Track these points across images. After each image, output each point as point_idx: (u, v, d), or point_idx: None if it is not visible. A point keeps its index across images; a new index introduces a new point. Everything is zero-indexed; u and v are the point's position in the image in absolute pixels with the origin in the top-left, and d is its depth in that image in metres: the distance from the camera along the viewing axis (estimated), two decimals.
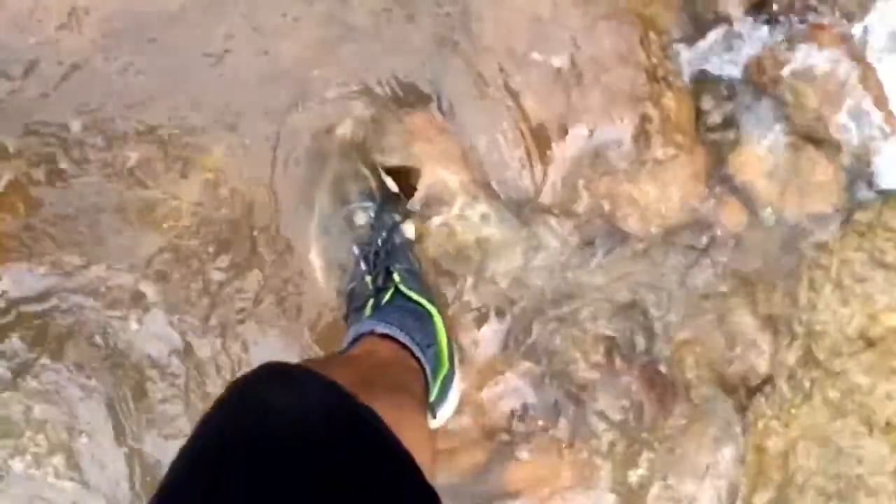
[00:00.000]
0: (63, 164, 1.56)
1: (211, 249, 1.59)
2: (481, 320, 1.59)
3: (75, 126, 1.55)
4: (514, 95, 1.58)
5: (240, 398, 0.78)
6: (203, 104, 1.56)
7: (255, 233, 1.58)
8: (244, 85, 1.55)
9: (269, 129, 1.56)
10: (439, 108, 1.57)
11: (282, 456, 0.68)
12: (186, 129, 1.56)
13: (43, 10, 1.53)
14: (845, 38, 1.68)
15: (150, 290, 1.59)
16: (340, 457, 0.72)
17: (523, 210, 1.58)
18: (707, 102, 1.64)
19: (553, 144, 1.58)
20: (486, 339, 1.59)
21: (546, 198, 1.59)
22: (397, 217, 1.54)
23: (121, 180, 1.56)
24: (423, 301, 1.42)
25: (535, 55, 1.57)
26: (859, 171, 1.67)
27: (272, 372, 0.82)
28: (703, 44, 1.63)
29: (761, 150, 1.65)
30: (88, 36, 1.53)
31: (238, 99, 1.55)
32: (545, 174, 1.59)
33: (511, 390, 1.63)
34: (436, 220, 1.58)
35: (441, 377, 1.38)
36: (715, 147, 1.65)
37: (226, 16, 1.53)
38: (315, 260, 1.60)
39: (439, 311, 1.44)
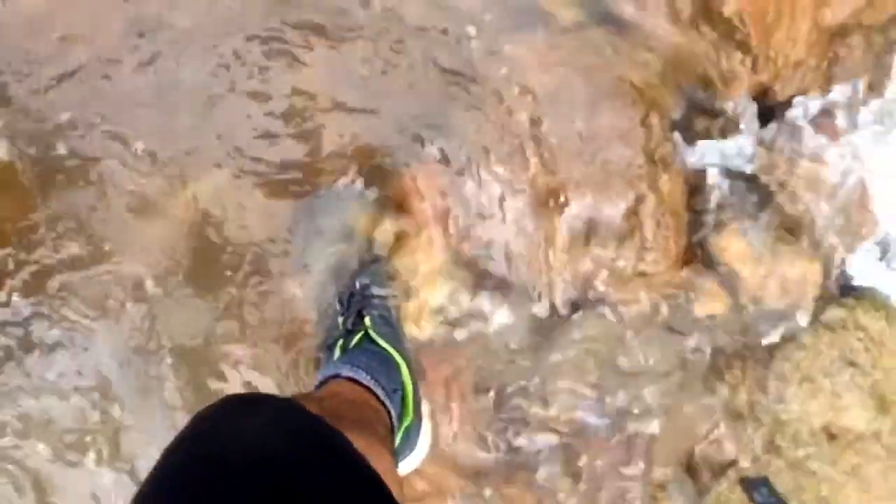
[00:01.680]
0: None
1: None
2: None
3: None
4: (511, 162, 1.57)
5: (201, 428, 0.77)
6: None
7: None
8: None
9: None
10: (440, 164, 1.56)
11: (244, 479, 0.67)
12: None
13: None
14: (837, 138, 1.72)
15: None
16: (308, 476, 0.71)
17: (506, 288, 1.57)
18: (700, 187, 1.66)
19: (546, 215, 1.58)
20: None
21: (527, 266, 1.59)
22: (383, 268, 1.55)
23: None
24: (391, 349, 1.42)
25: (536, 126, 1.56)
26: (836, 269, 1.71)
27: (233, 401, 0.82)
28: (702, 129, 1.65)
29: (746, 238, 1.67)
30: None
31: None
32: (533, 245, 1.59)
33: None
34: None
35: (405, 425, 1.37)
36: (703, 231, 1.67)
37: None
38: (300, 291, 1.59)
39: (408, 363, 1.44)
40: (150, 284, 1.56)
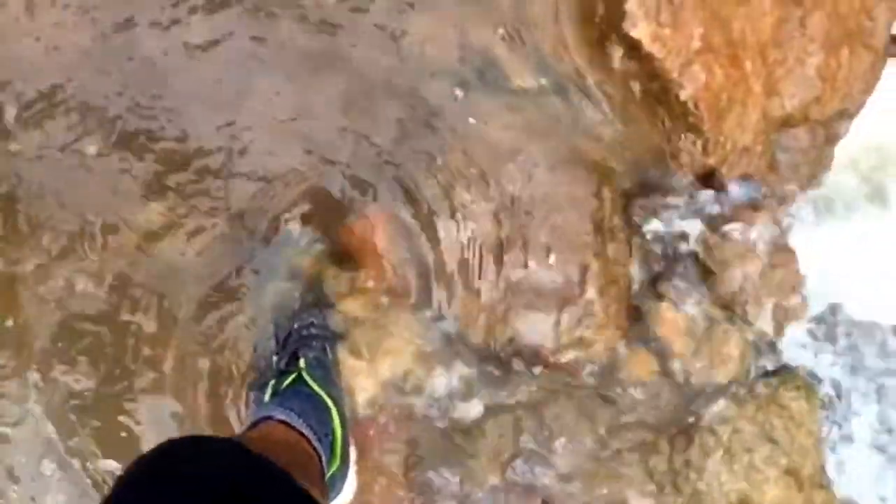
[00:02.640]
0: None
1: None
2: None
3: None
4: (464, 216, 1.60)
5: (139, 473, 0.78)
6: None
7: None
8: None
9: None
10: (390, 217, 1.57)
11: None
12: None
13: None
14: (776, 221, 1.80)
15: None
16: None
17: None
18: (643, 258, 1.71)
19: (488, 271, 1.61)
20: None
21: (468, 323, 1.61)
22: (325, 311, 1.55)
23: None
24: (323, 393, 1.42)
25: (493, 184, 1.59)
26: (765, 348, 1.77)
27: (171, 445, 0.83)
28: (650, 203, 1.70)
29: (682, 311, 1.73)
30: None
31: None
32: (476, 297, 1.61)
33: None
34: None
35: (332, 471, 1.38)
36: (642, 301, 1.72)
37: None
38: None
39: (339, 408, 1.44)
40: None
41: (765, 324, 1.75)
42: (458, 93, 1.56)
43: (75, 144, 1.53)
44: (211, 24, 1.54)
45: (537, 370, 1.62)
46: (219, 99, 1.54)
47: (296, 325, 1.50)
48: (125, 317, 1.53)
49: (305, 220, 1.57)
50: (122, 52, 1.53)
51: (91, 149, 1.53)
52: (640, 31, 1.52)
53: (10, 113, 1.52)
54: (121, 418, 1.53)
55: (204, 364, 1.55)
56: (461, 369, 1.54)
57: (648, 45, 1.53)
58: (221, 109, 1.53)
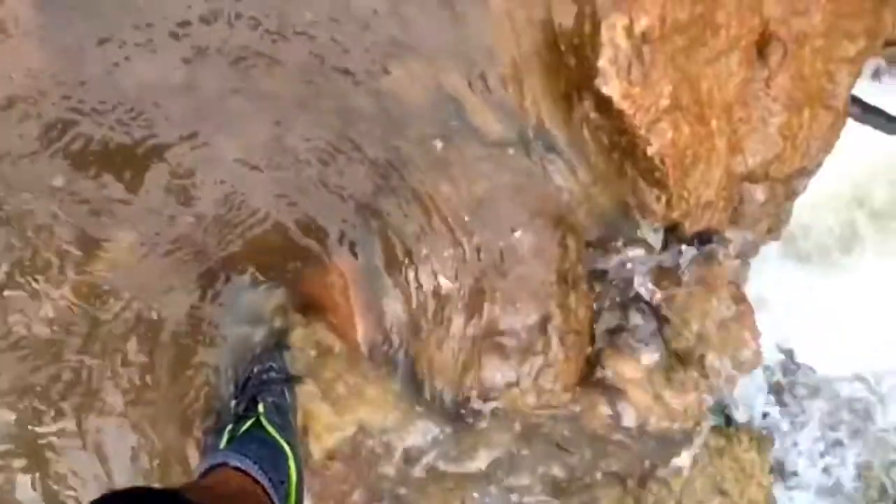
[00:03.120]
0: None
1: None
2: None
3: None
4: (430, 267, 1.59)
5: None
6: None
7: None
8: None
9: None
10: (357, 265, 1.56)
11: None
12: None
13: None
14: (735, 273, 1.83)
15: None
16: None
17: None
18: (604, 309, 1.73)
19: (454, 321, 1.60)
20: None
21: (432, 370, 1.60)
22: (285, 355, 1.53)
23: None
24: (281, 440, 1.41)
25: (460, 234, 1.59)
26: (720, 401, 1.80)
27: (118, 497, 0.83)
28: (614, 255, 1.72)
29: (640, 363, 1.74)
30: None
31: None
32: (439, 347, 1.60)
33: None
34: None
35: None
36: (601, 351, 1.73)
37: None
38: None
39: (295, 455, 1.43)
40: None
41: (720, 375, 1.78)
42: (435, 143, 1.56)
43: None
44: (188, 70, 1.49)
45: (500, 420, 1.62)
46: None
47: (255, 370, 1.49)
48: (73, 355, 1.49)
49: (268, 266, 1.54)
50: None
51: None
52: (611, 88, 1.53)
53: None
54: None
55: (163, 402, 1.51)
56: (422, 422, 1.53)
57: (618, 102, 1.54)
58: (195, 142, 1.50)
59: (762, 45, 1.70)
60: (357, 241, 1.55)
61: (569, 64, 1.59)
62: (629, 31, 1.52)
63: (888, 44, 1.83)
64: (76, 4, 1.41)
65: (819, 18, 1.71)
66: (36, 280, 1.45)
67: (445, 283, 1.59)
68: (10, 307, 1.44)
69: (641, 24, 1.52)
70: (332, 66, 1.50)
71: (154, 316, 1.50)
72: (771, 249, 1.90)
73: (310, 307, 1.52)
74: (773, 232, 1.95)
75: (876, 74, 2.02)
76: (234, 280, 1.54)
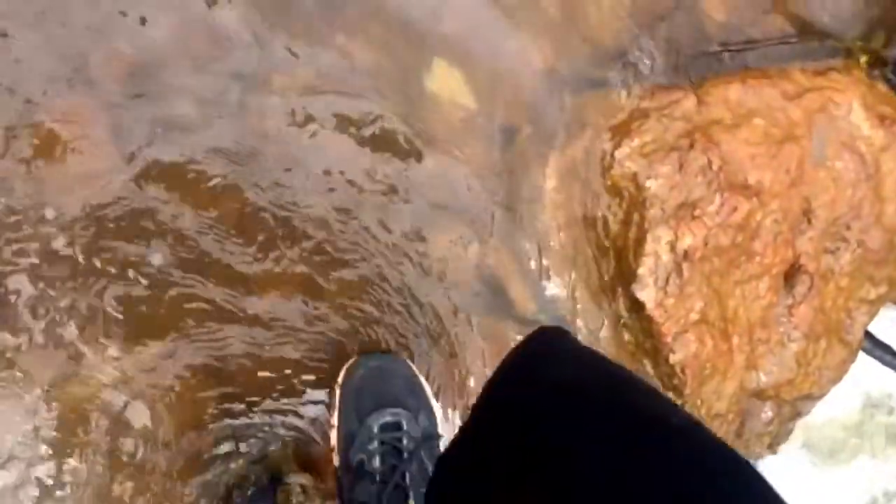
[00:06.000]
0: None
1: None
2: None
3: None
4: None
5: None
6: None
7: None
8: None
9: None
10: None
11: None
12: None
13: None
14: None
15: None
16: None
17: None
18: None
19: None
20: None
21: None
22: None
23: None
24: None
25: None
26: None
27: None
28: None
29: None
30: None
31: None
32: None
33: None
34: None
35: None
36: None
37: None
38: None
39: None
40: None
41: None
42: (462, 314, 1.59)
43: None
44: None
45: None
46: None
47: None
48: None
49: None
50: None
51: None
52: (646, 295, 1.59)
53: None
54: None
55: None
56: None
57: (651, 310, 1.60)
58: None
59: (790, 275, 1.78)
60: None
61: (609, 262, 1.65)
62: (673, 246, 1.60)
63: None
64: None
65: (847, 259, 1.80)
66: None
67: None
68: None
69: (686, 242, 1.59)
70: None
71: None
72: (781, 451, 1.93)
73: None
74: (773, 447, 1.98)
75: None
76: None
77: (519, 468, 0.67)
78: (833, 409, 2.15)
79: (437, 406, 1.42)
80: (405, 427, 1.30)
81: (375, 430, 1.29)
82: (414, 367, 1.43)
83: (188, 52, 1.38)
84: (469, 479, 0.74)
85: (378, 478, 1.26)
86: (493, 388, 0.83)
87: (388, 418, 1.30)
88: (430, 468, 1.30)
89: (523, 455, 0.68)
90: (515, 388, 0.78)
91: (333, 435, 1.39)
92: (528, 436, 0.69)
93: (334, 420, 1.39)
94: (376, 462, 1.27)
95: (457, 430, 0.76)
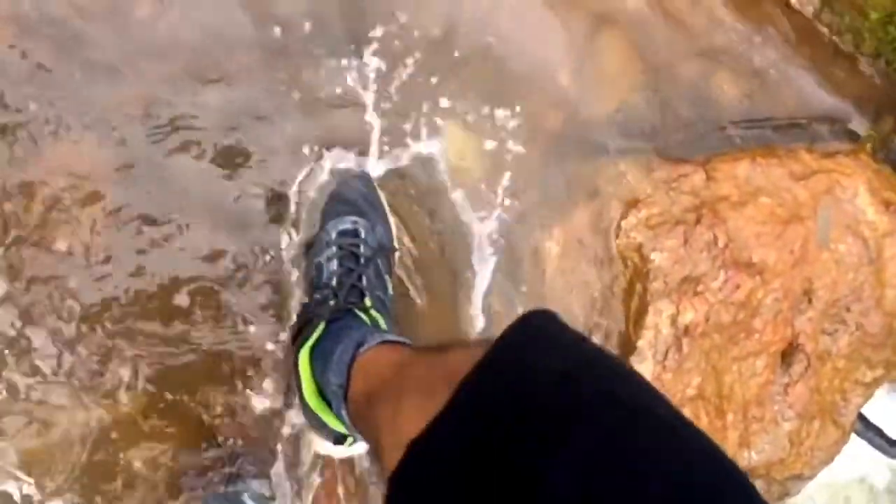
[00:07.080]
0: None
1: None
2: None
3: None
4: None
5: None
6: None
7: None
8: None
9: None
10: None
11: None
12: None
13: None
14: None
15: None
16: None
17: None
18: None
19: None
20: None
21: None
22: None
23: None
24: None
25: None
26: None
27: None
28: None
29: None
30: None
31: None
32: None
33: None
34: None
35: None
36: None
37: None
38: None
39: None
40: None
41: None
42: None
43: None
44: None
45: None
46: None
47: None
48: None
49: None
50: None
51: None
52: (644, 367, 1.57)
53: None
54: None
55: None
56: None
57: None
58: None
59: (787, 354, 1.77)
60: None
61: (609, 331, 1.64)
62: (674, 320, 1.58)
63: None
64: None
65: (845, 341, 1.79)
66: None
67: None
68: None
69: (687, 317, 1.58)
70: None
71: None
72: None
73: None
74: None
75: None
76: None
77: (494, 461, 0.65)
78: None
79: (392, 222, 1.45)
80: (362, 235, 1.33)
81: (334, 235, 1.33)
82: (374, 182, 1.45)
83: None
84: (442, 475, 0.70)
85: (335, 280, 1.29)
86: (477, 373, 0.79)
87: (348, 225, 1.33)
88: (386, 278, 1.36)
89: (492, 449, 0.66)
90: (498, 378, 0.75)
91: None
92: (509, 426, 0.67)
93: None
94: (334, 265, 1.31)
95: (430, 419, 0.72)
